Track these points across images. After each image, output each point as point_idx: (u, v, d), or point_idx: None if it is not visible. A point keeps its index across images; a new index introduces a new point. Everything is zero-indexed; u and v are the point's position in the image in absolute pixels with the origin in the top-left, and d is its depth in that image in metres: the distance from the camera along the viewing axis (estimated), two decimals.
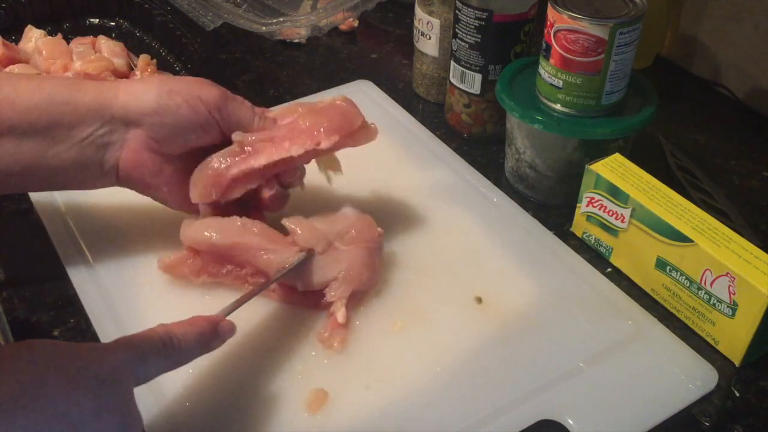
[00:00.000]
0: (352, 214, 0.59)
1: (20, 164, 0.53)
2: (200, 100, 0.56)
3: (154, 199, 0.60)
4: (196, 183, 0.57)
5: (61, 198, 0.67)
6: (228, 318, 0.50)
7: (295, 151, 0.57)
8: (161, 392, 0.51)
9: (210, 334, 0.47)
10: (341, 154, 0.61)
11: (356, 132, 0.59)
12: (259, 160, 0.57)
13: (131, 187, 0.59)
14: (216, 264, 0.57)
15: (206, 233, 0.56)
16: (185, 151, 0.57)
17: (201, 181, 0.57)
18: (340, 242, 0.57)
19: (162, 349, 0.44)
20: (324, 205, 0.66)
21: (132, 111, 0.55)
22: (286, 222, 0.58)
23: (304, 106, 0.60)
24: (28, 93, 0.53)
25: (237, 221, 0.57)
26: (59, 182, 0.57)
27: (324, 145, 0.57)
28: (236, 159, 0.57)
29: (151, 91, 0.55)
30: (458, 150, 0.74)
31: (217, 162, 0.57)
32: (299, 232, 0.57)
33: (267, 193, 0.59)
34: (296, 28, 0.91)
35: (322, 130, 0.58)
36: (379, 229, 0.59)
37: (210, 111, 0.56)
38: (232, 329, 0.49)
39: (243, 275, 0.57)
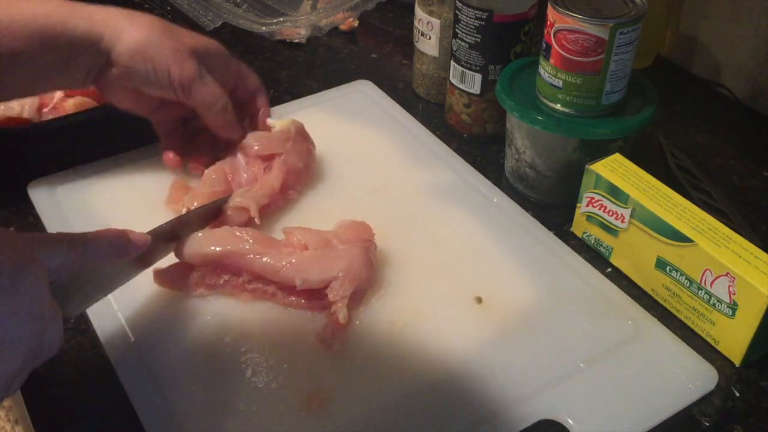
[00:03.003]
0: (346, 219, 0.61)
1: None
2: (168, 75, 0.60)
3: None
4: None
5: (61, 199, 0.67)
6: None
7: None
8: (161, 392, 0.51)
9: (120, 236, 0.49)
10: (342, 153, 0.62)
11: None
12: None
13: None
14: (212, 275, 0.57)
15: (200, 245, 0.57)
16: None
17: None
18: (338, 241, 0.58)
19: (68, 240, 0.44)
20: (324, 211, 0.67)
21: (112, 52, 0.59)
22: (283, 229, 0.60)
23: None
24: (22, 23, 0.56)
25: (229, 230, 0.58)
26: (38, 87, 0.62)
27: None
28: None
29: (132, 42, 0.59)
30: (458, 150, 0.74)
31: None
32: (294, 233, 0.58)
33: None
34: (296, 28, 0.91)
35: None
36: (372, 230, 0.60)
37: (174, 88, 0.61)
38: (144, 239, 0.51)
39: (240, 283, 0.57)
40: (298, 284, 0.56)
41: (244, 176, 0.66)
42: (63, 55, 0.58)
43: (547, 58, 0.63)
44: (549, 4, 0.62)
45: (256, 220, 0.61)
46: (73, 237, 0.45)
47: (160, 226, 0.56)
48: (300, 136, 0.68)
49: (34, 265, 0.39)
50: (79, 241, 0.45)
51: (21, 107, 0.70)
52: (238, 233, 0.58)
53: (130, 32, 0.59)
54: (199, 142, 0.69)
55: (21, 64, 0.57)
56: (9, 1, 0.56)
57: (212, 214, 0.61)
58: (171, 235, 0.57)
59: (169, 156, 0.68)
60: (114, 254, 0.48)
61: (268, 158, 0.67)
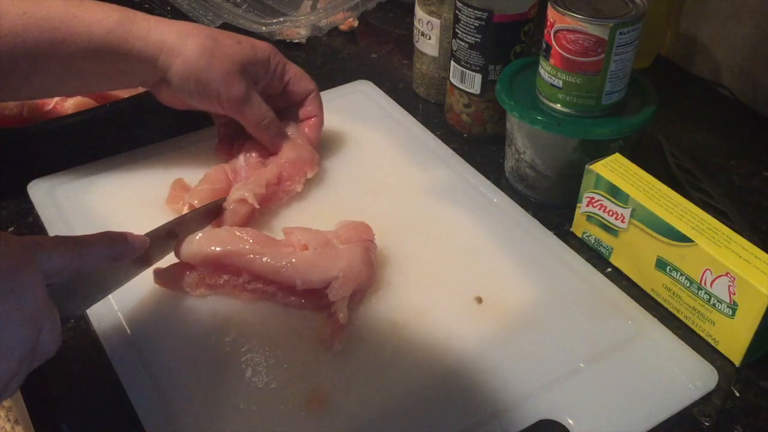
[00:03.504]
0: (346, 219, 0.61)
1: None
2: (218, 97, 0.63)
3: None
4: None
5: (61, 199, 0.67)
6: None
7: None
8: (161, 392, 0.51)
9: (119, 239, 0.49)
10: (342, 153, 0.62)
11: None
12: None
13: None
14: (212, 275, 0.57)
15: (200, 246, 0.57)
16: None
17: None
18: (338, 241, 0.58)
19: (64, 243, 0.44)
20: (324, 212, 0.67)
21: (166, 74, 0.62)
22: (283, 229, 0.59)
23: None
24: (83, 36, 0.59)
25: (229, 230, 0.58)
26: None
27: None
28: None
29: (183, 67, 0.61)
30: (458, 150, 0.74)
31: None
32: (294, 233, 0.58)
33: None
34: (296, 28, 0.91)
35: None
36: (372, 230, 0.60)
37: (224, 108, 0.65)
38: (142, 241, 0.51)
39: (240, 283, 0.57)
40: (298, 284, 0.56)
41: (243, 175, 0.66)
42: (118, 69, 0.62)
43: (547, 58, 0.63)
44: (549, 4, 0.62)
45: (255, 204, 0.62)
46: (70, 240, 0.45)
47: (160, 226, 0.56)
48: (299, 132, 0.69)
49: (29, 268, 0.39)
50: (76, 244, 0.45)
51: (21, 107, 0.70)
52: (238, 233, 0.58)
53: (182, 55, 0.61)
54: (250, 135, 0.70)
55: (75, 73, 0.61)
56: (71, 11, 0.58)
57: (213, 213, 0.62)
58: (171, 234, 0.57)
59: (221, 146, 0.71)
60: (112, 257, 0.48)
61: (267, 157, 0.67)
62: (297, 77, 0.70)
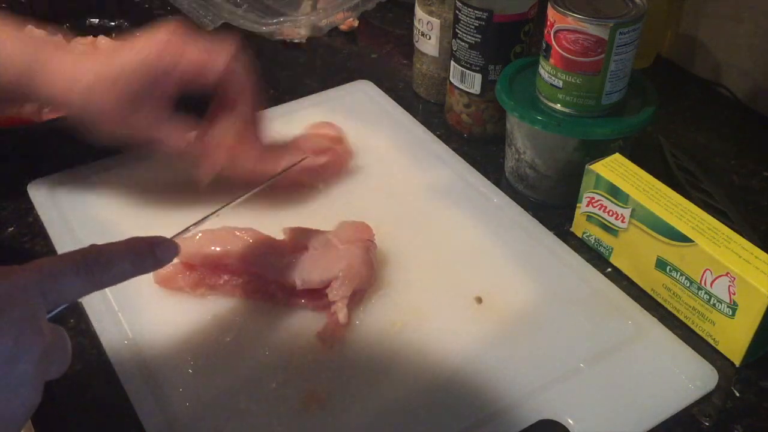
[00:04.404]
0: (347, 219, 0.61)
1: None
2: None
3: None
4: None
5: (61, 199, 0.67)
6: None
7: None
8: (161, 392, 0.51)
9: (145, 253, 0.44)
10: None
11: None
12: None
13: None
14: (212, 276, 0.57)
15: (200, 246, 0.57)
16: None
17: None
18: (338, 241, 0.58)
19: (83, 267, 0.40)
20: (324, 212, 0.67)
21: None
22: (283, 229, 0.59)
23: None
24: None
25: (229, 230, 0.58)
26: None
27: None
28: None
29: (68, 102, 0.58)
30: (458, 150, 0.74)
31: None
32: (294, 233, 0.58)
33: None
34: (296, 28, 0.91)
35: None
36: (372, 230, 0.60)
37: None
38: (171, 250, 0.46)
39: (240, 283, 0.57)
40: (298, 284, 0.56)
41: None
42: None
43: (547, 58, 0.63)
44: (549, 4, 0.62)
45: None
46: (90, 263, 0.41)
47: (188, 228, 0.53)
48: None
49: (30, 330, 0.37)
50: (98, 266, 0.41)
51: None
52: (238, 233, 0.58)
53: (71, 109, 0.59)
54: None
55: None
56: None
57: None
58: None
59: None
60: (136, 273, 0.44)
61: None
62: (203, 64, 0.60)
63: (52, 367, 0.40)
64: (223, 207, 0.56)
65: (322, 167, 0.67)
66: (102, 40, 0.82)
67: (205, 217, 0.54)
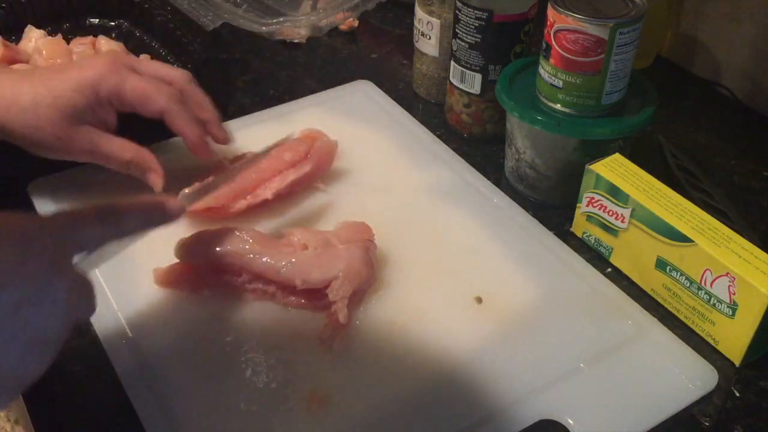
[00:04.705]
0: (347, 219, 0.61)
1: None
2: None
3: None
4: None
5: (61, 199, 0.67)
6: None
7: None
8: (161, 392, 0.51)
9: (154, 208, 0.49)
10: (342, 154, 0.62)
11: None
12: None
13: None
14: (213, 276, 0.57)
15: (200, 246, 0.57)
16: None
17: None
18: (338, 241, 0.58)
19: (100, 216, 0.44)
20: (324, 212, 0.67)
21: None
22: (283, 229, 0.60)
23: None
24: None
25: (229, 230, 0.58)
26: None
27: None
28: None
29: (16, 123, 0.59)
30: (458, 150, 0.74)
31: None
32: (294, 233, 0.58)
33: None
34: (296, 28, 0.91)
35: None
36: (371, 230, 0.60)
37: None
38: (180, 207, 0.51)
39: (240, 283, 0.57)
40: (298, 284, 0.56)
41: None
42: None
43: (547, 58, 0.63)
44: (549, 4, 0.62)
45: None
46: (108, 213, 0.44)
47: (196, 186, 0.57)
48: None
49: (62, 274, 0.39)
50: (112, 215, 0.45)
51: None
52: (238, 233, 0.58)
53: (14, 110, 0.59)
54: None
55: None
56: None
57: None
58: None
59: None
60: (149, 226, 0.48)
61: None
62: (146, 94, 0.62)
63: (81, 306, 0.41)
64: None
65: (310, 174, 0.67)
66: (102, 40, 0.82)
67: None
